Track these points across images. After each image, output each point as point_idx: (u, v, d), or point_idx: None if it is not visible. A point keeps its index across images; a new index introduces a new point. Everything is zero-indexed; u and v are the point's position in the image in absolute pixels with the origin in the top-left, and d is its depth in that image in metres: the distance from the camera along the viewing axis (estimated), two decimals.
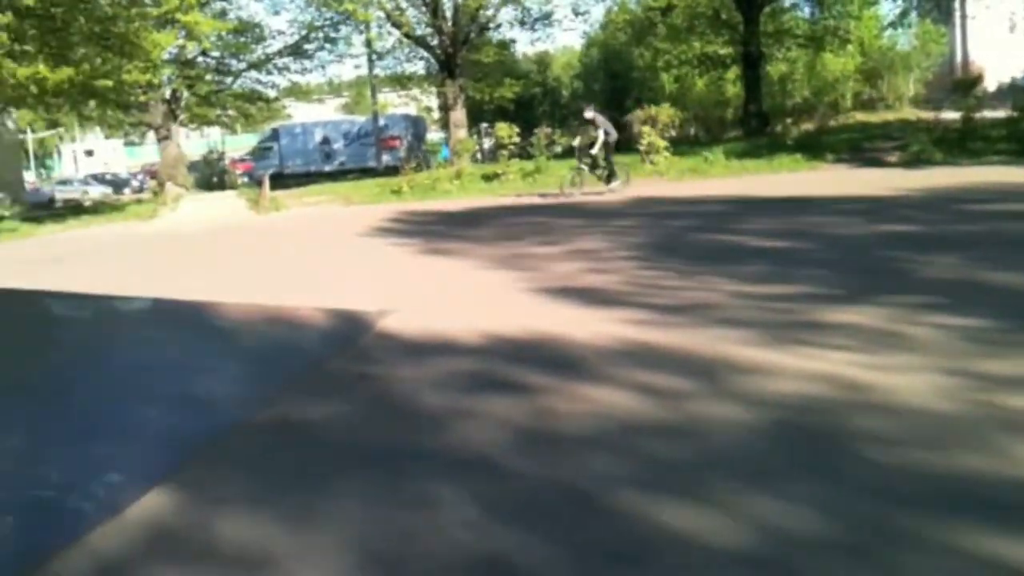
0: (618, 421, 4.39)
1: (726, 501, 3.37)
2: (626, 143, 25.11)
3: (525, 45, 70.25)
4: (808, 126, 32.30)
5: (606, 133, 18.77)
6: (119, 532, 3.44)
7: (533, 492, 3.66)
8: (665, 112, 24.60)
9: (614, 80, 47.59)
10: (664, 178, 21.65)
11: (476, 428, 4.52)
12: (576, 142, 20.52)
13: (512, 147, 25.78)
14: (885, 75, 43.71)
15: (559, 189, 19.17)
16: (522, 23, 35.10)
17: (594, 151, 18.86)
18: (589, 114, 19.31)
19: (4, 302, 6.03)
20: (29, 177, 51.66)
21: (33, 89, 21.01)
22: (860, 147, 24.25)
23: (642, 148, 23.52)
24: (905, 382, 4.58)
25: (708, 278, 8.03)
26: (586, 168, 19.19)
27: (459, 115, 33.15)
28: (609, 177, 18.97)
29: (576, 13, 35.33)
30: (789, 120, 33.48)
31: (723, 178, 20.78)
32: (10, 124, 34.99)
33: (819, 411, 4.28)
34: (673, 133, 26.43)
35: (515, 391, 5.08)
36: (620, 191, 18.67)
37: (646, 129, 23.77)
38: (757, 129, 30.73)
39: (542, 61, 51.62)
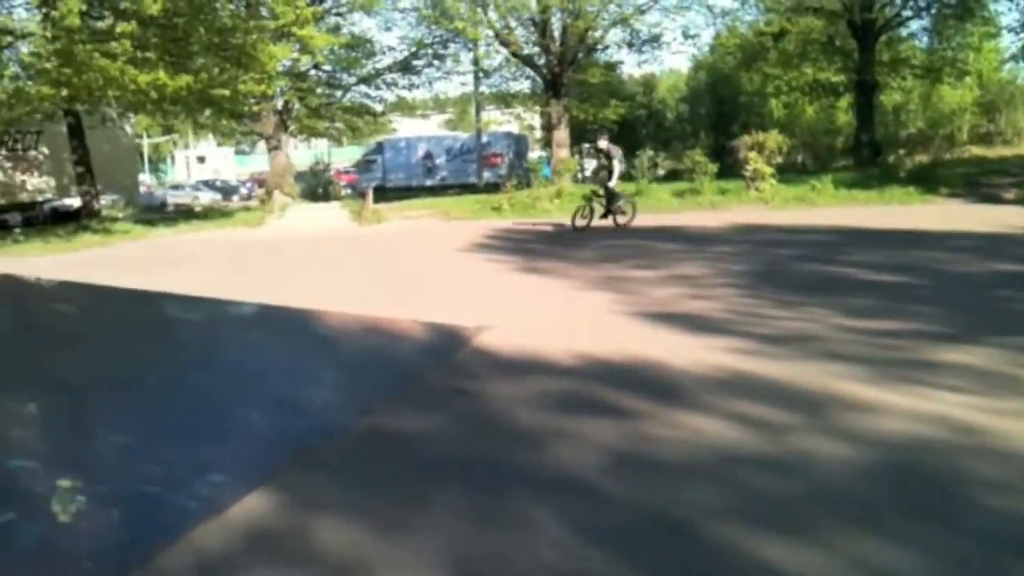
0: (717, 451, 4.29)
1: (829, 539, 3.24)
2: (731, 169, 24.74)
3: (632, 67, 70.10)
4: (922, 158, 31.25)
5: (620, 163, 17.76)
6: (221, 531, 3.51)
7: (627, 517, 3.60)
8: (773, 139, 24.14)
9: (721, 104, 46.99)
10: (768, 206, 21.23)
11: (571, 449, 4.48)
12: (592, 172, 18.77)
13: None
14: (1004, 109, 42.12)
15: (570, 221, 17.68)
16: (630, 45, 35.02)
17: (612, 183, 17.56)
18: (604, 144, 18.03)
19: (122, 302, 6.23)
20: (145, 180, 53.68)
21: (153, 95, 21.85)
22: (976, 182, 23.37)
23: (747, 174, 23.12)
24: (1021, 427, 4.37)
25: (813, 309, 7.82)
26: (599, 200, 17.67)
27: (562, 134, 33.21)
28: (609, 214, 17.63)
29: (685, 36, 35.23)
30: (902, 151, 32.45)
31: (830, 208, 20.26)
32: (128, 129, 36.43)
33: (930, 452, 4.11)
34: (780, 160, 25.91)
35: (611, 414, 5.02)
36: (626, 224, 17.55)
37: (752, 155, 23.35)
38: (868, 159, 29.93)
39: (648, 83, 51.33)
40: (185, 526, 3.50)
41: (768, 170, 23.08)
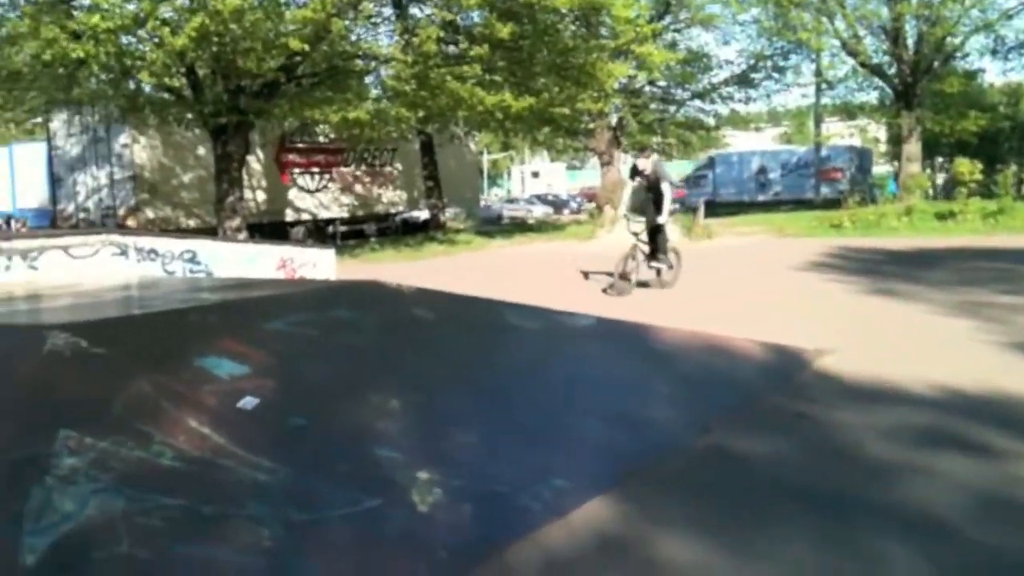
0: None
1: None
2: None
3: (995, 75, 64.06)
4: None
5: (671, 190, 12.44)
6: (566, 534, 3.59)
7: (995, 565, 3.24)
8: None
9: None
10: None
11: (928, 486, 4.12)
12: (626, 206, 13.72)
13: (972, 185, 23.56)
14: None
15: (613, 274, 12.20)
16: (994, 52, 32.06)
17: (662, 219, 12.13)
18: (644, 162, 12.61)
19: (469, 308, 6.60)
20: (498, 193, 56.68)
21: (498, 116, 23.15)
22: None
23: None
24: None
25: None
26: (643, 245, 12.44)
27: (913, 148, 31.05)
28: (655, 256, 12.42)
29: None
30: None
31: None
32: (472, 146, 38.85)
33: None
34: None
35: (975, 452, 4.56)
36: (670, 283, 12.57)
37: None
38: None
39: (1014, 93, 46.59)
40: (531, 526, 3.61)
41: None
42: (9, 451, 3.45)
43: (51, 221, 25.42)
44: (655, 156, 13.81)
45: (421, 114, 22.80)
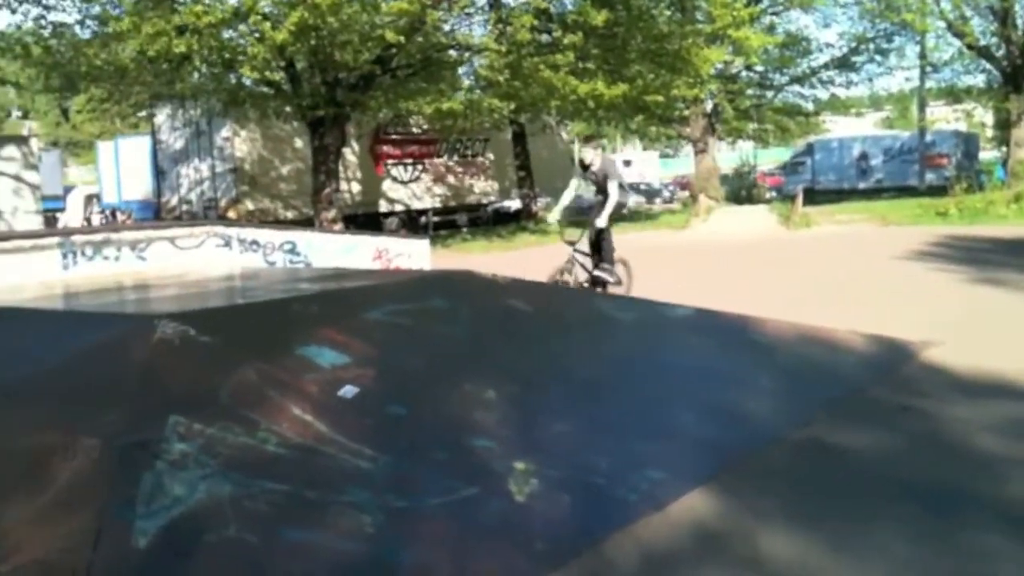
0: None
1: None
2: None
3: None
4: None
5: (620, 189, 10.15)
6: (663, 526, 3.56)
7: None
8: None
9: None
10: None
11: None
12: (559, 210, 11.43)
13: None
14: None
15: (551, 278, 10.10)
16: None
17: (601, 222, 10.04)
18: (591, 155, 10.46)
19: (564, 298, 6.59)
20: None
21: (590, 104, 23.03)
22: None
23: None
24: None
25: None
26: (582, 257, 10.41)
27: (1022, 132, 29.71)
28: (599, 266, 10.21)
29: None
30: None
31: None
32: (564, 135, 38.73)
33: None
34: None
35: None
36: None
37: None
38: None
39: None
40: (628, 518, 3.59)
41: None
42: (122, 436, 3.58)
43: (155, 213, 26.32)
44: (604, 150, 11.78)
45: (513, 104, 22.84)
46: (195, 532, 3.06)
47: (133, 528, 2.98)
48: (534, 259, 17.36)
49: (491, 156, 32.33)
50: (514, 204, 33.41)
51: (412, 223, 28.37)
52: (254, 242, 9.56)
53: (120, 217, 29.92)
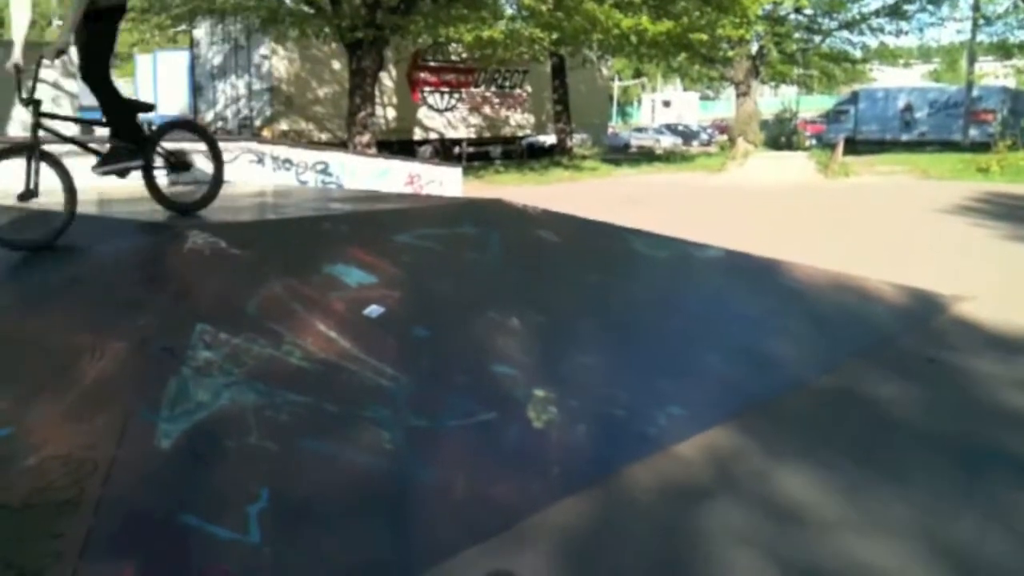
0: None
1: None
2: None
3: None
4: None
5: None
6: (680, 461, 3.56)
7: None
8: None
9: None
10: None
11: None
12: None
13: None
14: None
15: None
16: None
17: None
18: None
19: (593, 233, 6.53)
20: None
21: (633, 40, 22.62)
22: None
23: None
24: None
25: None
26: None
27: None
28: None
29: None
30: None
31: None
32: (604, 71, 38.12)
33: None
34: None
35: None
36: None
37: None
38: None
39: None
40: (646, 450, 3.60)
41: None
42: (149, 341, 3.62)
43: None
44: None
45: (555, 35, 22.47)
46: (217, 437, 3.10)
47: (157, 429, 3.03)
48: (567, 194, 17.27)
49: (529, 89, 31.92)
50: (549, 139, 33.10)
51: (446, 152, 28.21)
52: (287, 160, 9.55)
53: None
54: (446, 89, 28.84)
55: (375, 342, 3.93)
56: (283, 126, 24.03)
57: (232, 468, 2.98)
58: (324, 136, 24.48)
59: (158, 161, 5.36)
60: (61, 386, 3.44)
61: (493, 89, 30.68)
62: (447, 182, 10.77)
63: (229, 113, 24.98)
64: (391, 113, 26.82)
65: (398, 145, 25.85)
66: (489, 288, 4.93)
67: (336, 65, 24.43)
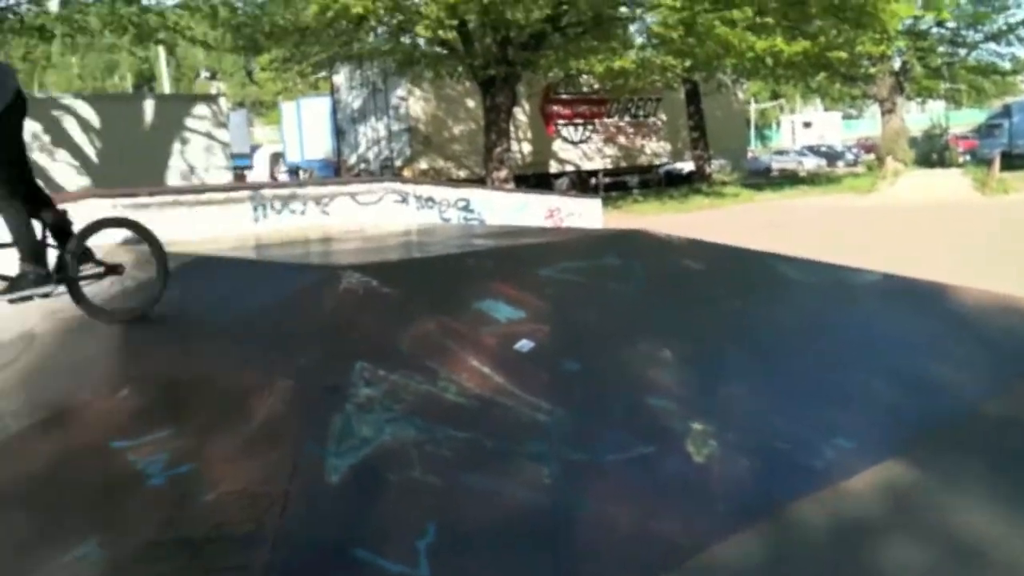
0: None
1: None
2: None
3: None
4: None
5: None
6: (851, 496, 3.41)
7: None
8: None
9: None
10: None
11: None
12: None
13: None
14: None
15: None
16: None
17: None
18: None
19: (741, 260, 6.42)
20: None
21: (768, 62, 22.22)
22: None
23: None
24: None
25: None
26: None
27: None
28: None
29: None
30: None
31: None
32: (739, 95, 37.56)
33: None
34: None
35: None
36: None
37: None
38: None
39: None
40: (814, 485, 3.46)
41: None
42: (313, 379, 3.75)
43: (335, 171, 27.34)
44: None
45: (687, 62, 22.34)
46: (382, 472, 3.18)
47: (325, 464, 3.12)
48: (709, 221, 17.05)
49: (663, 116, 31.76)
50: (687, 166, 32.79)
51: (582, 184, 28.32)
52: (429, 199, 9.80)
53: (303, 175, 31.25)
54: (580, 121, 29.00)
55: (528, 376, 3.95)
56: (422, 165, 24.66)
57: (398, 502, 3.05)
58: (462, 173, 24.98)
59: (85, 268, 4.89)
60: (233, 423, 3.60)
61: (627, 118, 30.65)
62: (587, 214, 10.80)
63: (371, 155, 25.82)
64: (526, 147, 27.15)
65: (535, 179, 26.13)
66: (636, 319, 4.90)
67: (470, 103, 24.96)
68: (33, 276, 4.61)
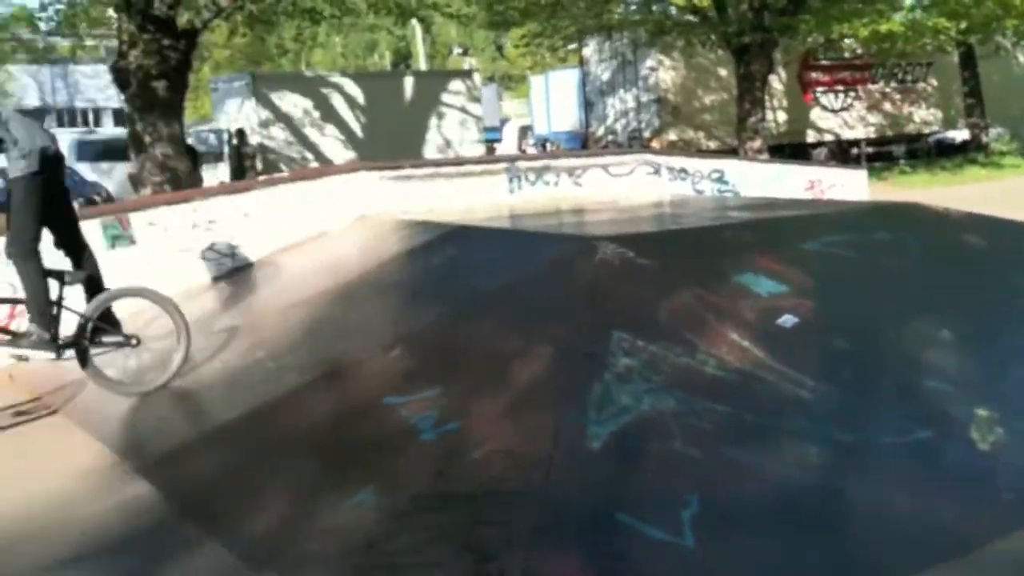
0: None
1: None
2: None
3: None
4: None
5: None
6: None
7: None
8: None
9: None
10: None
11: None
12: None
13: None
14: None
15: None
16: None
17: None
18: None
19: (1018, 236, 5.88)
20: None
21: None
22: None
23: None
24: None
25: None
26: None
27: None
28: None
29: None
30: None
31: None
32: (1021, 58, 34.23)
33: None
34: None
35: None
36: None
37: None
38: None
39: None
40: None
41: None
42: (572, 347, 3.81)
43: (582, 143, 27.51)
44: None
45: (963, 24, 20.63)
46: (642, 441, 3.19)
47: (587, 431, 3.17)
48: (987, 194, 15.73)
49: (934, 82, 29.47)
50: (960, 135, 30.31)
51: (843, 154, 26.88)
52: (682, 170, 9.66)
53: (550, 148, 31.70)
54: (840, 88, 27.50)
55: (791, 352, 3.82)
56: (671, 136, 24.34)
57: (659, 472, 3.05)
58: (712, 144, 24.42)
59: (99, 337, 4.77)
60: (495, 385, 3.73)
61: (893, 85, 28.71)
62: (851, 186, 10.27)
63: (619, 127, 25.78)
64: (781, 116, 26.12)
65: (790, 149, 25.10)
66: (911, 297, 4.61)
67: (722, 72, 24.29)
68: (35, 338, 4.60)
